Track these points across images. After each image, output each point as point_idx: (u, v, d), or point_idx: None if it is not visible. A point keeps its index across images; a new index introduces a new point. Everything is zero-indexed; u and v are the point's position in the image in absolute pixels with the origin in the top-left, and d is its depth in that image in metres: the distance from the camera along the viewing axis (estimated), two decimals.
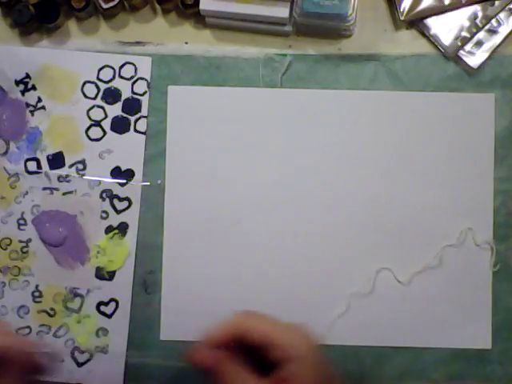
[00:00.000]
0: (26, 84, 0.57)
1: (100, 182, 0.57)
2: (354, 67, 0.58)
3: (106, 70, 0.58)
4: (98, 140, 0.58)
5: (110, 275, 0.57)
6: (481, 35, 0.57)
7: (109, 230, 0.57)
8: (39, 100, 0.58)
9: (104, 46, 0.58)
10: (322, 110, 0.57)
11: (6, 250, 0.57)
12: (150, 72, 0.58)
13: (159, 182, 0.57)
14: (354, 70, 0.58)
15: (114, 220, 0.57)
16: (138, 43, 0.58)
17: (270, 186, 0.57)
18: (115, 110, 0.58)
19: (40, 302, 0.57)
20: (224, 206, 0.57)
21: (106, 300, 0.57)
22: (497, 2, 0.57)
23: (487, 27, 0.57)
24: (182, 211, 0.57)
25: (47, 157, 0.57)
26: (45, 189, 0.57)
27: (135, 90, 0.58)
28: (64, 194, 0.57)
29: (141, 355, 0.56)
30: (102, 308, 0.57)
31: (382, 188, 0.57)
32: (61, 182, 0.57)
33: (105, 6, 0.56)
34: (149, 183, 0.57)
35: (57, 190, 0.57)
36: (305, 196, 0.57)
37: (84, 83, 0.58)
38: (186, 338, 0.56)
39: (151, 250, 0.57)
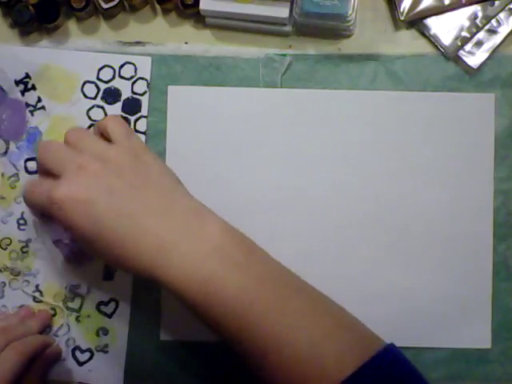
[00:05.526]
0: (25, 84, 0.57)
1: None
2: (354, 67, 0.58)
3: (106, 69, 0.58)
4: None
5: (110, 275, 0.57)
6: (481, 35, 0.57)
7: None
8: (39, 100, 0.58)
9: (104, 46, 0.58)
10: (322, 109, 0.57)
11: (5, 249, 0.57)
12: (149, 72, 0.58)
13: None
14: (354, 70, 0.58)
15: None
16: (137, 43, 0.58)
17: (270, 185, 0.57)
18: (115, 109, 0.58)
19: (40, 301, 0.57)
20: (224, 206, 0.57)
21: (105, 300, 0.57)
22: (497, 2, 0.57)
23: (487, 27, 0.57)
24: None
25: None
26: None
27: (135, 89, 0.58)
28: None
29: (141, 355, 0.56)
30: (102, 308, 0.57)
31: (382, 188, 0.57)
32: None
33: (105, 6, 0.56)
34: None
35: None
36: (304, 196, 0.57)
37: (84, 83, 0.58)
38: (185, 338, 0.56)
39: None
